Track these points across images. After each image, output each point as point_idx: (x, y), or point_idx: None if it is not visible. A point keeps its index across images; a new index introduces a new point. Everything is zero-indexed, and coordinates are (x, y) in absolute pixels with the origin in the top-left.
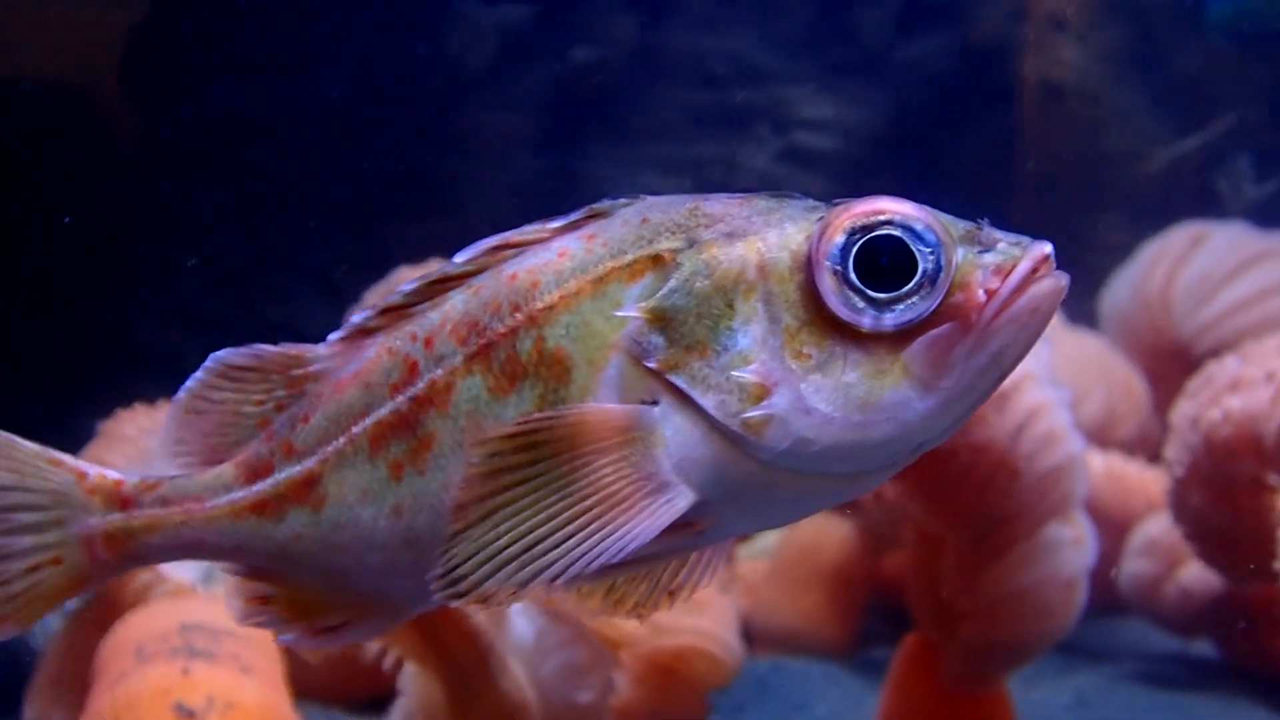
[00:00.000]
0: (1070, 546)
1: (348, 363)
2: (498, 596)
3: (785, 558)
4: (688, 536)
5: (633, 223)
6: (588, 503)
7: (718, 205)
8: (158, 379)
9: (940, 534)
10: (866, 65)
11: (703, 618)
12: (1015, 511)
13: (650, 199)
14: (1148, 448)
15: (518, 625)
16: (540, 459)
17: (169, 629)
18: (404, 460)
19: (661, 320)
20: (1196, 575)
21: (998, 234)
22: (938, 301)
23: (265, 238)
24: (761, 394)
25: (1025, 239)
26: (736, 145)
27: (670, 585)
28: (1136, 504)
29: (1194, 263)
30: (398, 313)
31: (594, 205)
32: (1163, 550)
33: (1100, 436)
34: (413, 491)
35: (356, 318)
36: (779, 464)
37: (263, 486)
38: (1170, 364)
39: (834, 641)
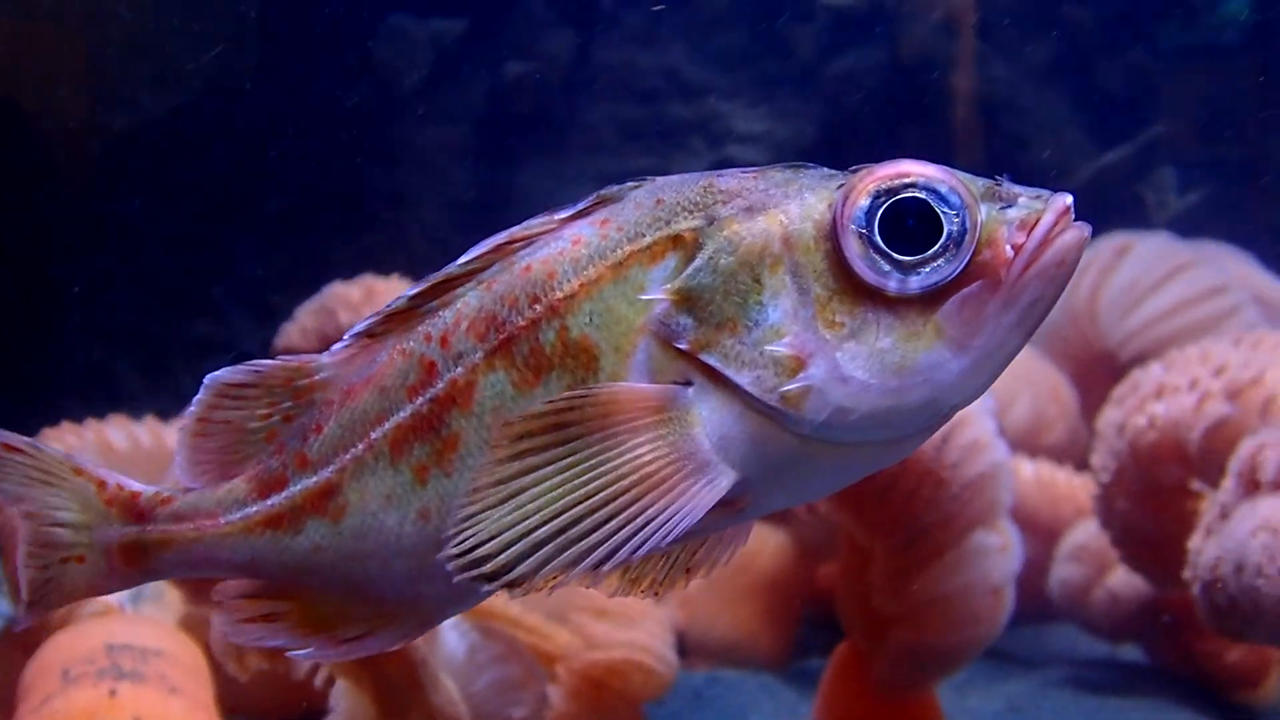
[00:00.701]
0: (997, 554)
1: (356, 369)
2: (534, 582)
3: (719, 569)
4: (728, 515)
5: (646, 205)
6: (626, 483)
7: (732, 181)
8: (86, 397)
9: (869, 544)
10: (798, 79)
11: (637, 630)
12: (942, 520)
13: (659, 180)
14: (1076, 454)
15: (449, 640)
16: (570, 438)
17: (95, 649)
18: (428, 463)
19: (688, 300)
20: (1124, 580)
21: (1017, 189)
22: (965, 262)
23: (196, 252)
24: (797, 366)
25: (1045, 192)
26: (670, 159)
27: (688, 563)
28: (1065, 510)
29: (1120, 272)
30: (404, 316)
31: (601, 191)
32: (1091, 556)
33: (1029, 443)
34: (440, 494)
35: (361, 324)
36: (818, 436)
37: (277, 500)
38: (1097, 371)
39: (769, 652)
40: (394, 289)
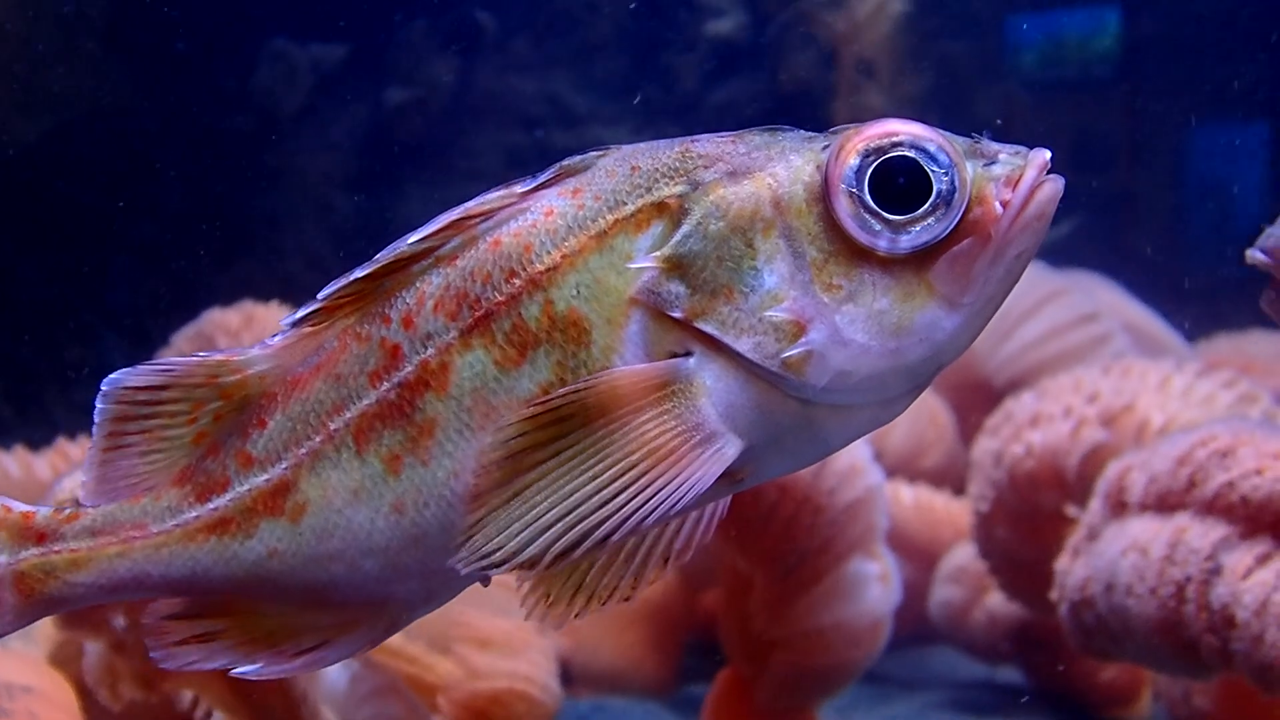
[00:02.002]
0: (875, 580)
1: (298, 359)
2: (543, 560)
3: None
4: (728, 485)
5: (620, 173)
6: (634, 458)
7: (709, 145)
8: None
9: (750, 571)
10: (680, 108)
11: (520, 660)
12: (820, 546)
13: (625, 147)
14: (954, 477)
15: (330, 673)
16: (571, 430)
17: None
18: (401, 451)
19: (679, 268)
20: (1001, 602)
21: (995, 145)
22: (955, 220)
23: (68, 278)
24: (798, 331)
25: (1022, 148)
26: None
27: (666, 550)
28: (944, 534)
29: None
30: (354, 299)
31: (563, 162)
32: (970, 578)
33: (908, 467)
34: (416, 484)
35: (301, 310)
36: (819, 400)
37: (220, 502)
38: (973, 396)
39: (654, 679)
40: (274, 314)
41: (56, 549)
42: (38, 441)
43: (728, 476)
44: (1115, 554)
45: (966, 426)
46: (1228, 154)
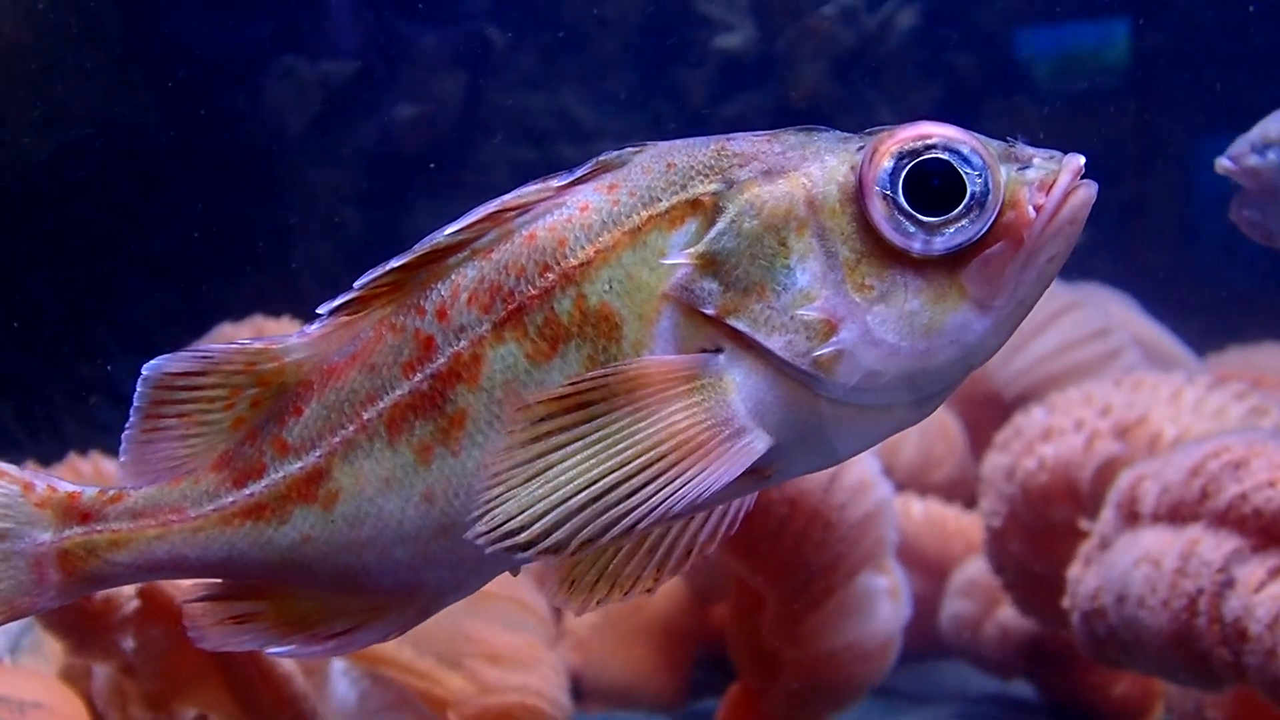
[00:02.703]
0: (885, 595)
1: (336, 348)
2: (569, 545)
3: (614, 611)
4: (755, 482)
5: (656, 169)
6: (663, 448)
7: (745, 144)
8: None
9: (760, 586)
10: (689, 123)
11: (530, 675)
12: (831, 562)
13: (661, 144)
14: (965, 491)
15: (340, 688)
16: (597, 415)
17: None
18: (432, 442)
19: (712, 265)
20: (1013, 615)
21: (1029, 149)
22: (989, 223)
23: (79, 294)
24: (829, 330)
25: (1056, 153)
26: None
27: (690, 543)
28: (955, 547)
29: None
30: (389, 290)
31: (599, 157)
32: (981, 591)
33: (918, 481)
34: (446, 474)
35: (338, 299)
36: (849, 399)
37: (257, 488)
38: (983, 410)
39: (664, 694)
40: (284, 329)
41: (99, 529)
42: (49, 458)
43: (755, 473)
44: (1127, 565)
45: (977, 440)
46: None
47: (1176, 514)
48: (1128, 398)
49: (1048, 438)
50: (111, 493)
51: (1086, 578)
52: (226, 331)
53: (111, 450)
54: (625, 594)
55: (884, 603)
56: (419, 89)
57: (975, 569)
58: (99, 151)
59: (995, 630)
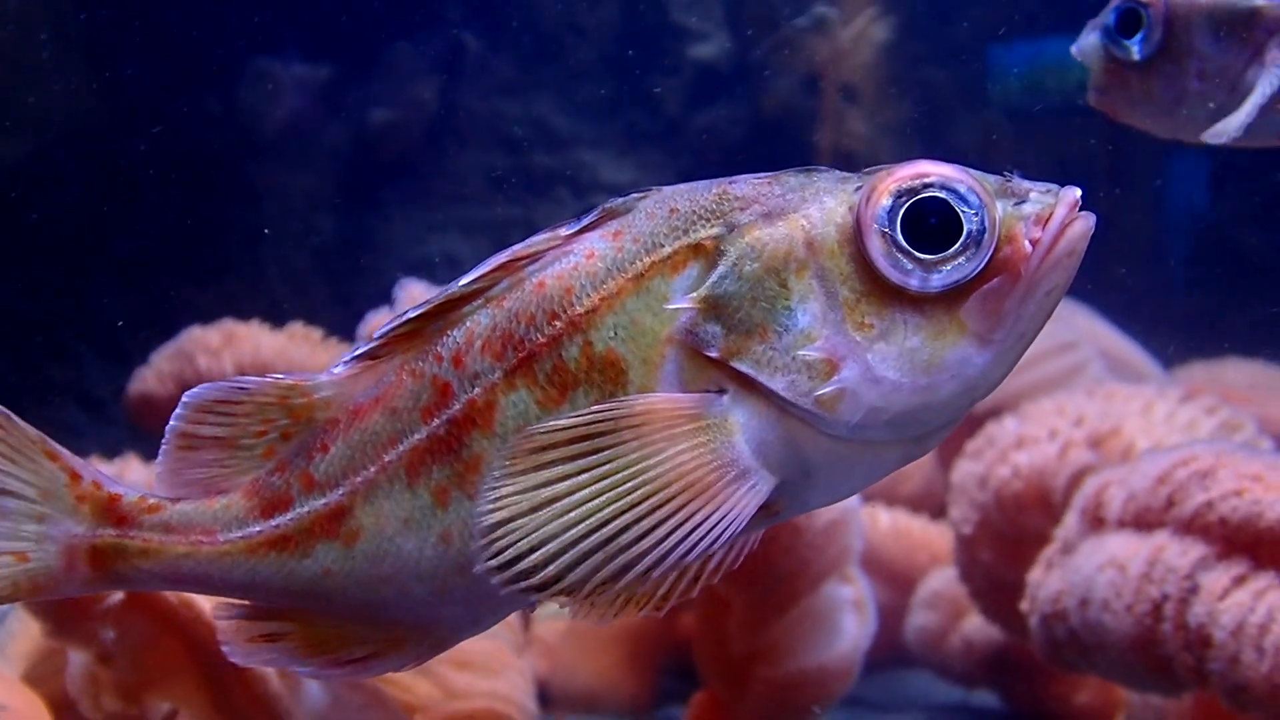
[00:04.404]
0: (850, 606)
1: (361, 389)
2: (583, 589)
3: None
4: (764, 519)
5: (659, 215)
6: (671, 490)
7: (746, 187)
8: None
9: (727, 593)
10: (664, 132)
11: (498, 681)
12: (797, 567)
13: (666, 189)
14: (932, 503)
15: (312, 691)
16: (602, 447)
17: None
18: (449, 485)
19: (715, 308)
20: (978, 626)
21: (1026, 184)
22: (985, 260)
23: (48, 296)
24: (830, 370)
25: (1053, 186)
26: (536, 208)
27: (699, 571)
28: (921, 558)
29: None
30: (409, 337)
31: (606, 205)
32: (946, 602)
33: (886, 492)
34: (462, 517)
35: (363, 346)
36: (852, 436)
37: (283, 521)
38: None
39: (630, 700)
40: (254, 334)
41: (131, 535)
42: None
43: (764, 510)
44: (1092, 569)
45: (944, 452)
46: (1207, 182)
47: (1142, 520)
48: (1101, 409)
49: (1021, 446)
50: (150, 501)
51: (1048, 581)
52: (196, 335)
53: (80, 452)
54: (642, 610)
55: (849, 615)
56: (394, 94)
57: (940, 581)
58: (69, 154)
59: (959, 641)
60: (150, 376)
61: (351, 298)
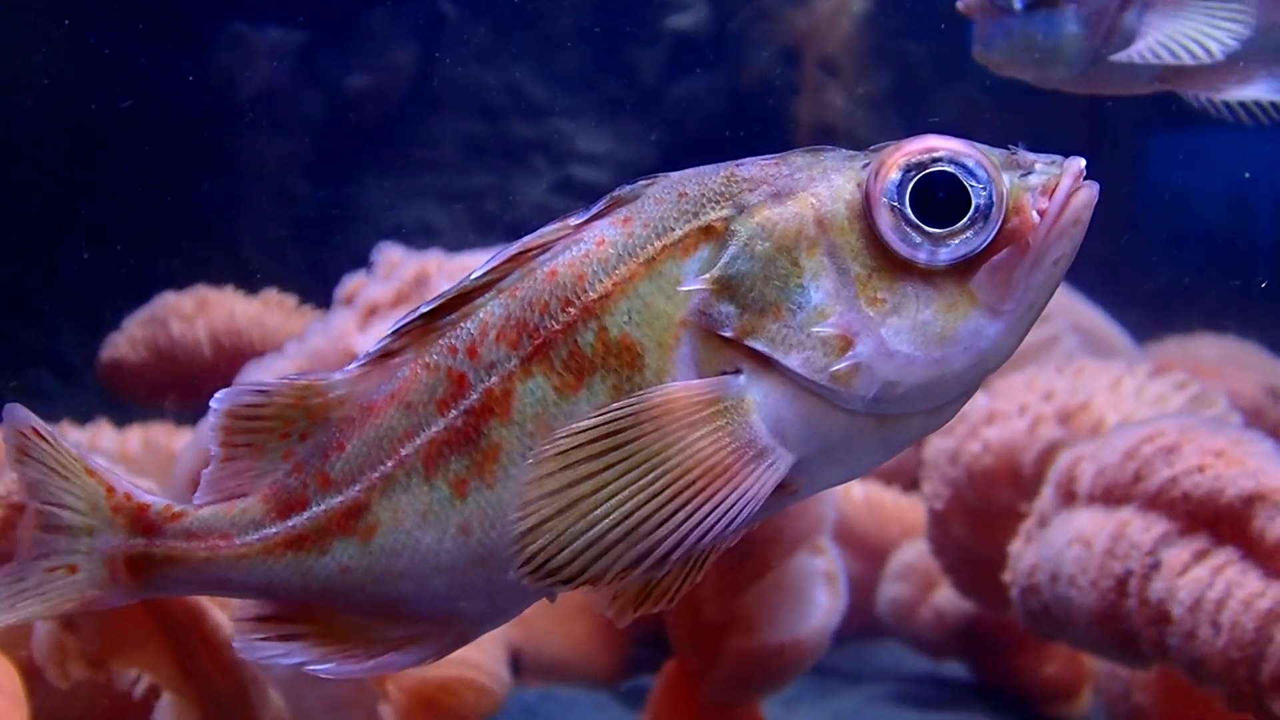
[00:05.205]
0: (821, 578)
1: (374, 386)
2: (606, 577)
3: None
4: (783, 498)
5: (669, 200)
6: (691, 476)
7: (754, 169)
8: None
9: None
10: (641, 102)
11: (469, 648)
12: (772, 535)
13: (674, 175)
14: (904, 476)
15: None
16: (624, 443)
17: None
18: (467, 475)
19: (728, 289)
20: (949, 598)
21: (1031, 155)
22: (993, 233)
23: (20, 261)
24: (845, 345)
25: (1057, 157)
26: (512, 177)
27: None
28: (893, 531)
29: None
30: (421, 332)
31: (614, 193)
32: (917, 575)
33: None
34: (482, 506)
35: (376, 344)
36: (868, 410)
37: (299, 520)
38: None
39: (602, 670)
40: (228, 300)
41: (158, 544)
42: None
43: (782, 489)
44: (1061, 544)
45: None
46: (1184, 160)
47: (1111, 496)
48: (1071, 383)
49: (991, 421)
50: (175, 509)
51: (1025, 554)
52: (169, 301)
53: (52, 418)
54: (661, 604)
55: (821, 585)
56: (370, 61)
57: (912, 553)
58: (42, 119)
59: (930, 613)
60: (123, 342)
61: (326, 265)
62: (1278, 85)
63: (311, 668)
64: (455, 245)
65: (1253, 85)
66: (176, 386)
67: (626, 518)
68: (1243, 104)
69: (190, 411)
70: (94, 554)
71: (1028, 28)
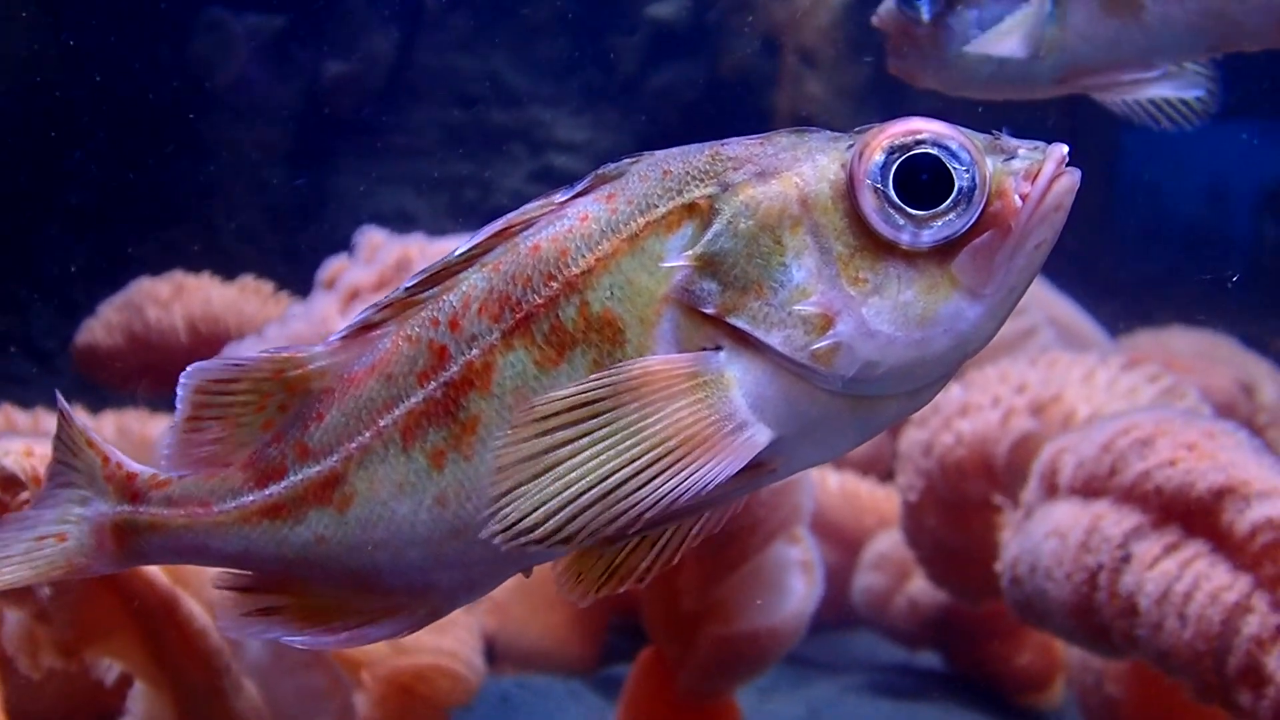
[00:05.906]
0: (798, 568)
1: (355, 358)
2: (578, 536)
3: (531, 578)
4: (759, 477)
5: (653, 177)
6: (670, 444)
7: (738, 148)
8: None
9: None
10: (620, 91)
11: (445, 637)
12: (750, 524)
13: (659, 153)
14: (879, 467)
15: (253, 646)
16: (602, 412)
17: None
18: (445, 447)
19: (710, 266)
20: (923, 589)
21: (1014, 141)
22: (975, 216)
23: None
24: (825, 324)
25: (1040, 143)
26: (491, 165)
27: (682, 538)
28: (868, 521)
29: None
30: (403, 305)
31: (598, 170)
32: (892, 565)
33: None
34: (458, 478)
35: (358, 316)
36: (847, 390)
37: (276, 489)
38: None
39: (577, 658)
40: (204, 286)
41: (141, 510)
42: None
43: (758, 467)
44: (1040, 536)
45: None
46: (1159, 154)
47: (1089, 488)
48: (1043, 376)
49: (965, 413)
50: (160, 478)
51: (1011, 545)
52: (145, 286)
53: (27, 403)
54: (625, 584)
55: (797, 575)
56: (348, 47)
57: (887, 543)
58: (18, 104)
59: (905, 603)
60: (98, 328)
61: (303, 251)
62: (1183, 83)
63: (287, 639)
64: (433, 233)
65: (1161, 85)
66: (152, 372)
67: (603, 480)
68: (1155, 104)
69: (165, 398)
70: (83, 522)
71: (935, 37)
